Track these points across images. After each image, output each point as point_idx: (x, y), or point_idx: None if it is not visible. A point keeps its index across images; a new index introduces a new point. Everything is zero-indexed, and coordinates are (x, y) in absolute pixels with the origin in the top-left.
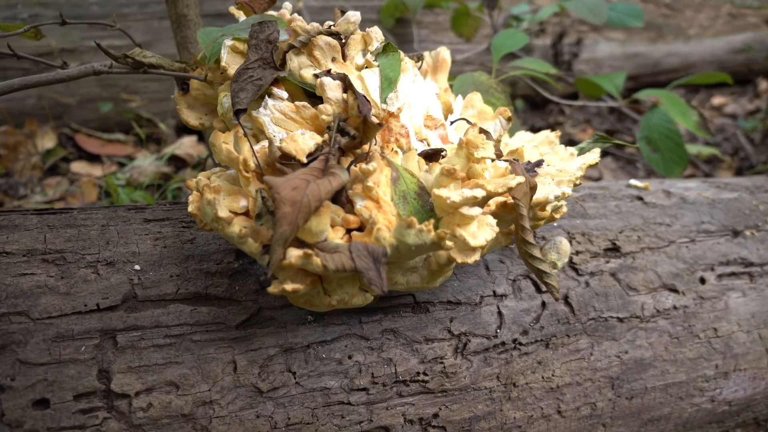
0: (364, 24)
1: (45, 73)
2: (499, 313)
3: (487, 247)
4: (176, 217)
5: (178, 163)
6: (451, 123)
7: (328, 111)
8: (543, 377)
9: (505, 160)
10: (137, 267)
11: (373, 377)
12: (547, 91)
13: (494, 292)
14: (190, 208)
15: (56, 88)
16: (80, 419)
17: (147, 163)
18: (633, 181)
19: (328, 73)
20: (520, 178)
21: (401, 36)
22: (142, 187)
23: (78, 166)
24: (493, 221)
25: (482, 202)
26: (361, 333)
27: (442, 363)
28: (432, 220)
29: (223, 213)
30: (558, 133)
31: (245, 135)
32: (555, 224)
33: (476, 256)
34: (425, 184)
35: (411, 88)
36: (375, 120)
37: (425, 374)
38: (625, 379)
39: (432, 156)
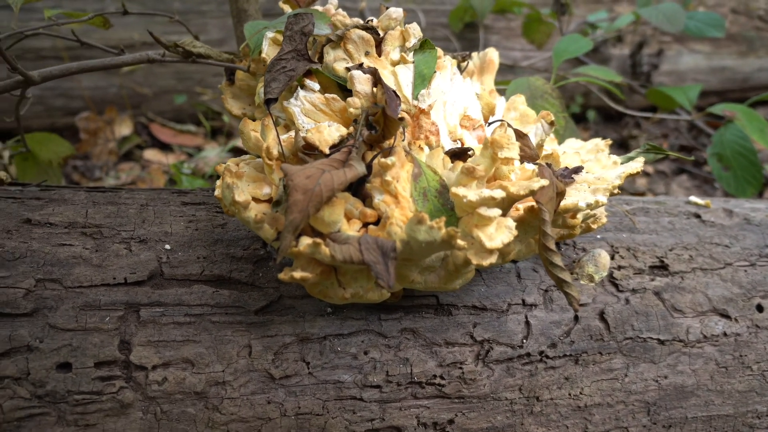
0: (433, 28)
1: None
2: (527, 322)
3: (515, 252)
4: (212, 202)
5: (241, 154)
6: (489, 124)
7: (355, 104)
8: (570, 394)
9: (537, 164)
10: (167, 246)
11: (387, 375)
12: (618, 104)
13: (523, 300)
14: (216, 192)
15: (136, 79)
16: (98, 386)
17: (213, 155)
18: (693, 198)
19: (359, 66)
20: (544, 182)
21: (470, 41)
22: (205, 176)
23: (150, 154)
24: (512, 224)
25: (503, 204)
26: (379, 330)
27: (461, 368)
28: (443, 218)
29: (240, 197)
30: (608, 141)
31: (274, 124)
32: (598, 236)
33: (492, 259)
34: (448, 182)
35: (447, 86)
36: (404, 114)
37: (442, 378)
38: (662, 405)
39: (458, 155)
